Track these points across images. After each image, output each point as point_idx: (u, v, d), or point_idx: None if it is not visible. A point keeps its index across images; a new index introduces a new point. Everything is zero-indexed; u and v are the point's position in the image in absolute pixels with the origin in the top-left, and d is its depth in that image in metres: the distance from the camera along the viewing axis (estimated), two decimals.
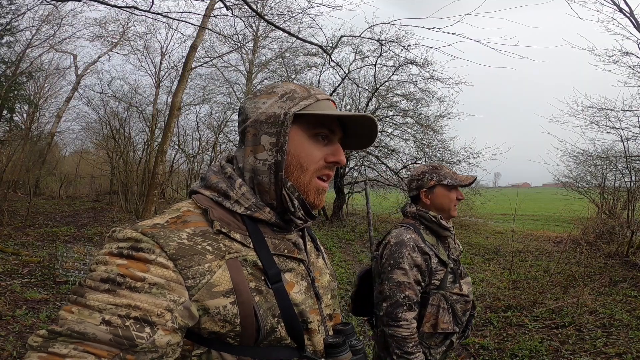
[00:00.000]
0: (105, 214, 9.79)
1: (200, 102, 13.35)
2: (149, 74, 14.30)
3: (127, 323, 0.53)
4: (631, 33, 7.36)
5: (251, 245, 0.69)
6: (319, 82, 11.07)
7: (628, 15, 7.19)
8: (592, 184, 9.50)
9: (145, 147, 13.32)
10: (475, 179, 1.70)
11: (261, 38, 10.15)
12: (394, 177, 10.71)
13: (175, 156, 14.32)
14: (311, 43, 5.58)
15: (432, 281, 1.54)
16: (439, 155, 10.23)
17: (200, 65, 9.59)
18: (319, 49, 9.54)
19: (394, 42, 7.61)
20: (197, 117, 13.99)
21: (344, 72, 8.12)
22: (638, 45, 7.32)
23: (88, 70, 15.05)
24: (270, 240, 0.72)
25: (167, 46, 14.12)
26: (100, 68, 20.50)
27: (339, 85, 10.37)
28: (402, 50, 7.38)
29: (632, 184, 7.74)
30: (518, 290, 4.92)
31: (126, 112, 12.89)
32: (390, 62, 9.74)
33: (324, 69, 10.85)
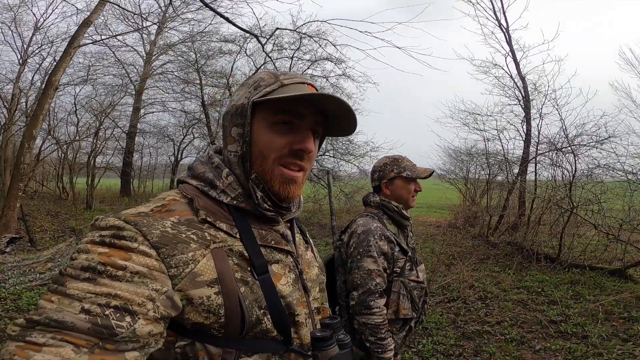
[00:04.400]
0: None
1: (82, 83, 11.41)
2: (14, 50, 11.51)
3: (107, 312, 0.52)
4: (502, 47, 9.11)
5: (237, 236, 0.68)
6: (231, 70, 10.70)
7: (505, 29, 8.87)
8: (459, 176, 11.54)
9: (2, 131, 10.83)
10: (433, 171, 1.74)
11: (169, 19, 9.21)
12: None
13: (43, 143, 12.02)
14: (247, 31, 5.41)
15: (394, 269, 1.59)
16: (344, 148, 11.02)
17: (93, 43, 8.22)
18: (237, 36, 9.17)
19: (324, 40, 7.79)
20: (75, 98, 11.93)
21: (256, 64, 8.02)
22: (505, 58, 9.14)
23: None
24: (257, 231, 0.71)
25: (45, 19, 11.50)
26: None
27: (253, 74, 10.23)
28: (319, 46, 7.67)
29: (489, 176, 9.74)
30: None
31: None
32: (307, 57, 10.00)
33: (237, 57, 10.51)
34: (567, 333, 3.47)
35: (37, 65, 10.97)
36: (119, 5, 6.19)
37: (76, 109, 11.99)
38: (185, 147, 16.38)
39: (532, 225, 7.27)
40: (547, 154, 8.09)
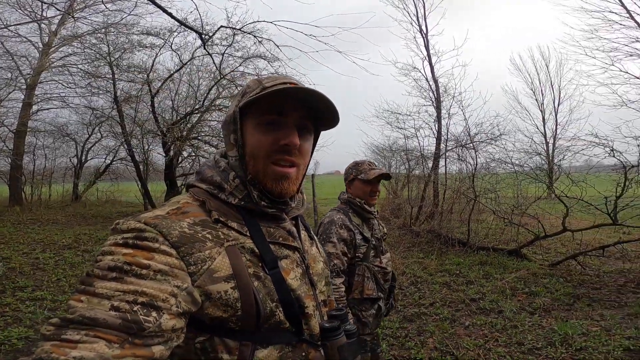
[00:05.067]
0: None
1: None
2: None
3: (135, 308, 0.55)
4: (421, 51, 10.08)
5: (248, 234, 0.72)
6: (152, 64, 9.84)
7: (424, 35, 9.76)
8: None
9: None
10: (383, 174, 1.96)
11: (78, 9, 8.01)
12: None
13: None
14: (191, 29, 5.07)
15: (357, 254, 1.88)
16: None
17: None
18: (161, 29, 8.44)
19: (261, 37, 7.61)
20: None
21: (181, 60, 7.56)
22: (423, 61, 10.10)
23: None
24: (266, 229, 0.75)
25: None
26: None
27: (177, 70, 9.62)
28: (257, 42, 7.52)
29: (408, 170, 10.73)
30: None
31: None
32: (239, 53, 9.74)
33: (160, 52, 9.71)
34: (485, 309, 4.13)
35: None
36: None
37: None
38: (92, 147, 14.64)
39: (445, 214, 8.30)
40: (454, 149, 9.29)
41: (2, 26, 7.49)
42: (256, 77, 0.81)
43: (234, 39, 7.87)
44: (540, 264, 5.97)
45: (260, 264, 0.71)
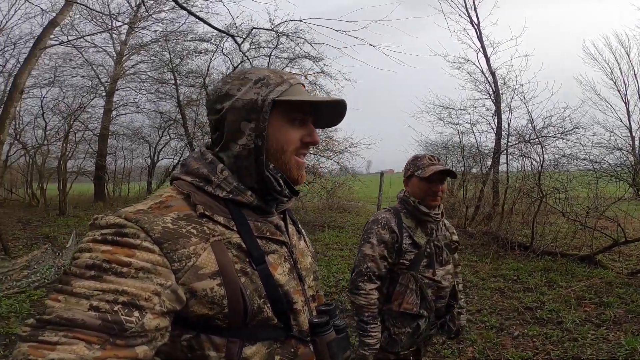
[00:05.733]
0: None
1: (49, 85, 10.91)
2: None
3: (116, 308, 0.53)
4: (474, 43, 9.41)
5: (234, 228, 0.71)
6: (208, 69, 10.52)
7: (476, 26, 9.15)
8: None
9: None
10: (445, 171, 1.66)
11: (141, 19, 8.93)
12: None
13: (10, 149, 11.46)
14: (222, 31, 5.36)
15: (402, 260, 1.62)
16: (324, 144, 11.09)
17: (59, 44, 7.87)
18: (212, 35, 9.03)
19: (301, 38, 7.79)
20: (42, 101, 11.40)
21: (233, 63, 7.95)
22: (477, 53, 9.44)
23: None
24: (253, 223, 0.74)
25: (7, 21, 10.89)
26: None
27: (230, 73, 10.13)
28: (300, 44, 7.67)
29: (464, 169, 10.07)
30: None
31: None
32: (285, 55, 10.00)
33: (214, 56, 10.35)
34: (542, 319, 3.68)
35: (0, 68, 10.43)
36: (86, 6, 5.98)
37: (43, 112, 11.48)
38: (162, 148, 15.97)
39: (506, 215, 7.60)
40: (516, 145, 8.47)
41: (79, 36, 8.52)
42: (269, 69, 0.82)
43: (278, 40, 8.05)
44: (618, 272, 5.17)
45: (247, 260, 0.70)
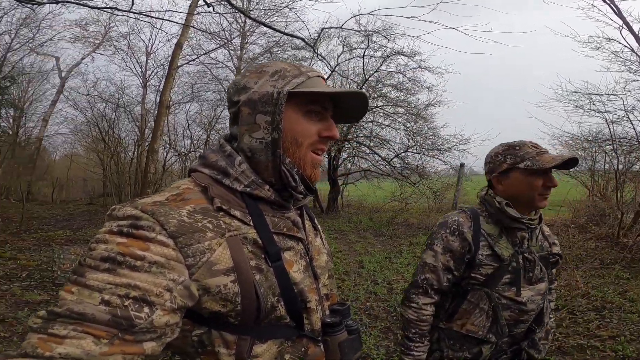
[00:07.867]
0: (100, 216, 9.70)
1: (190, 100, 13.19)
2: (135, 74, 14.10)
3: (126, 303, 0.53)
4: (612, 20, 7.44)
5: (251, 223, 0.69)
6: None
7: (608, 2, 7.23)
8: (582, 167, 9.61)
9: (136, 147, 13.17)
10: (568, 159, 1.24)
11: (248, 34, 10.02)
12: (386, 166, 10.75)
13: (167, 155, 14.20)
14: (295, 37, 5.56)
15: (474, 274, 1.30)
16: (430, 143, 10.28)
17: (187, 63, 9.45)
18: (301, 44, 9.51)
19: (377, 32, 7.56)
20: (187, 115, 13.84)
21: (331, 65, 8.07)
22: (620, 31, 7.39)
23: (72, 73, 14.75)
24: (270, 218, 0.72)
25: (152, 45, 13.84)
26: (84, 70, 20.09)
27: (327, 77, 10.35)
28: (388, 41, 7.38)
29: (619, 166, 7.86)
30: None
31: (114, 113, 12.71)
32: (378, 53, 9.71)
33: (312, 62, 10.79)
34: None
35: (156, 87, 13.05)
36: (195, 27, 6.92)
37: (188, 124, 13.87)
38: None
39: None
40: None
41: (199, 55, 9.97)
42: (288, 62, 0.79)
43: (369, 40, 7.81)
44: None
45: (262, 256, 0.68)
